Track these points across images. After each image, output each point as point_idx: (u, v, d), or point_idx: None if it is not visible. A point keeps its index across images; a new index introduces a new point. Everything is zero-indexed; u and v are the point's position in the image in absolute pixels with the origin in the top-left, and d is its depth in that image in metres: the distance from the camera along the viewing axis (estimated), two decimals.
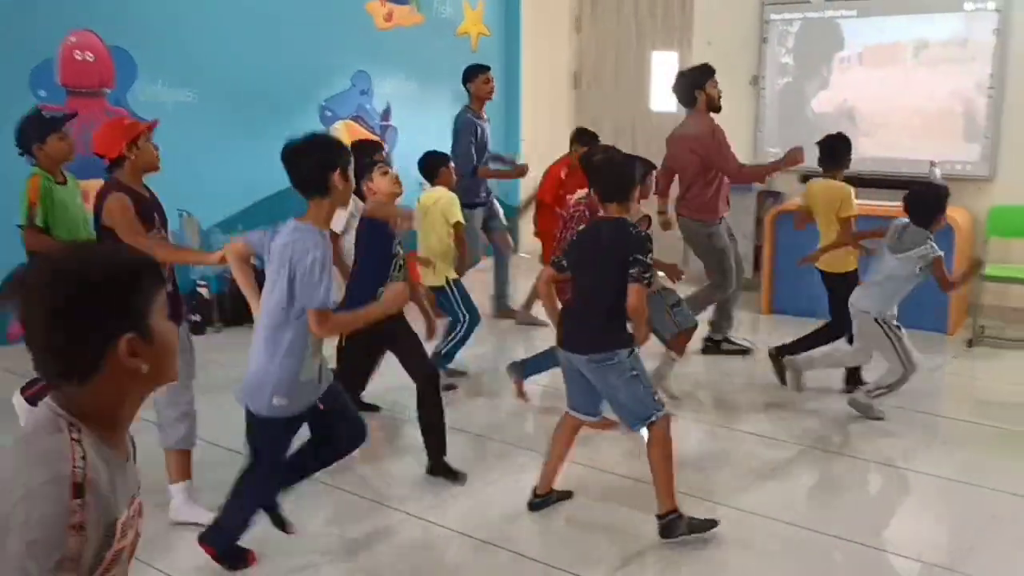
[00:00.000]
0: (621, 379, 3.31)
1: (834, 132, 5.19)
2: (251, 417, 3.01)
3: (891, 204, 6.25)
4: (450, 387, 4.93)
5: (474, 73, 6.62)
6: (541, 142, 8.10)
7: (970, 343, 5.88)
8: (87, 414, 1.36)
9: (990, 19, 6.51)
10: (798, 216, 5.29)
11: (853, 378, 5.00)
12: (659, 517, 3.35)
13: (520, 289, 6.72)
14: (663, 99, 8.24)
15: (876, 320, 4.46)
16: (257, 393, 2.94)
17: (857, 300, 4.57)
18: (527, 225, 6.96)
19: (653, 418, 3.32)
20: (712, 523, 3.38)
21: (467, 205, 6.40)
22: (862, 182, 6.80)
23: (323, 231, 2.90)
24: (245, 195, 6.52)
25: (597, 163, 3.66)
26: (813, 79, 7.36)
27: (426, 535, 3.48)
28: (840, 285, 4.88)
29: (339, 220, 4.10)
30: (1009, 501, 3.76)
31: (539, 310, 6.11)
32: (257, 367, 2.93)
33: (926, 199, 4.51)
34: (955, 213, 5.77)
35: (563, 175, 6.19)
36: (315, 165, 2.88)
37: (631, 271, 3.24)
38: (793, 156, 5.34)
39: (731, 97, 7.65)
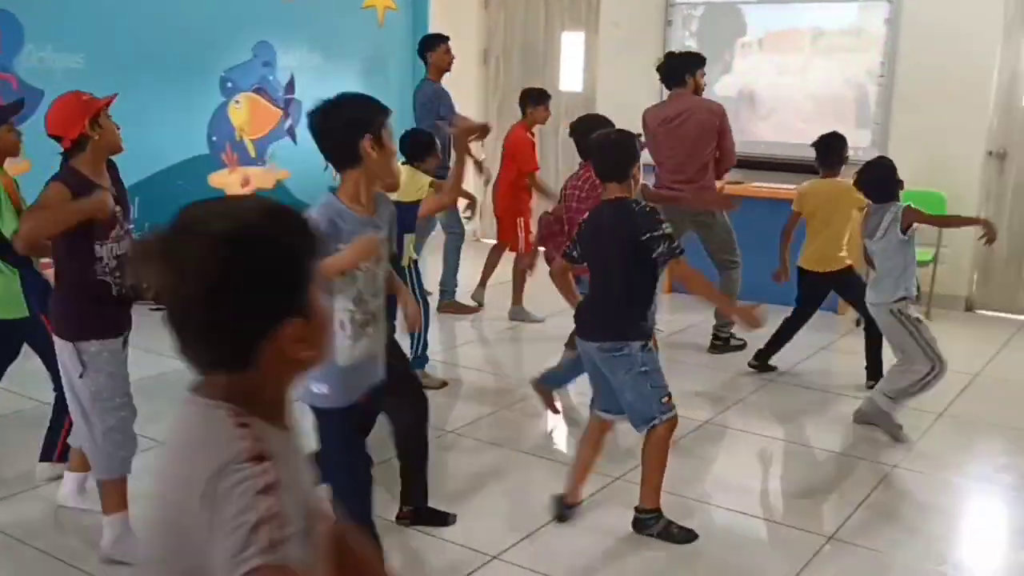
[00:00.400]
0: (629, 374, 3.19)
1: (828, 132, 5.16)
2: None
3: (783, 186, 6.47)
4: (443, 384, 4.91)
5: (434, 43, 6.54)
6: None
7: (858, 322, 6.11)
8: (240, 403, 1.15)
9: (882, 9, 6.74)
10: (790, 219, 5.19)
11: (875, 371, 4.93)
12: (637, 510, 3.34)
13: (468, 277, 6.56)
14: (571, 78, 8.31)
15: (891, 311, 4.24)
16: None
17: (868, 298, 4.42)
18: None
19: (656, 421, 3.22)
20: (691, 536, 3.34)
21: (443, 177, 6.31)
22: (757, 165, 7.05)
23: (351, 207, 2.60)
24: (139, 166, 6.28)
25: (595, 140, 3.43)
26: (716, 63, 7.48)
27: (454, 556, 3.25)
28: (824, 283, 5.06)
29: None
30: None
31: (529, 303, 6.17)
32: None
33: (876, 175, 4.32)
34: None
35: (531, 136, 6.23)
36: (342, 130, 2.54)
37: (656, 250, 3.11)
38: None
39: (636, 78, 7.79)
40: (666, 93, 7.53)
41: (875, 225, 4.26)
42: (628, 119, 7.55)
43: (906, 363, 4.27)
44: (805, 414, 4.81)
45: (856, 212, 4.81)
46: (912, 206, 4.25)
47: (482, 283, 6.47)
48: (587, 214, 3.45)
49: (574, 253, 3.37)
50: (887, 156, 4.64)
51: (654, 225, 3.13)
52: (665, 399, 3.25)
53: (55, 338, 3.08)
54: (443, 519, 3.43)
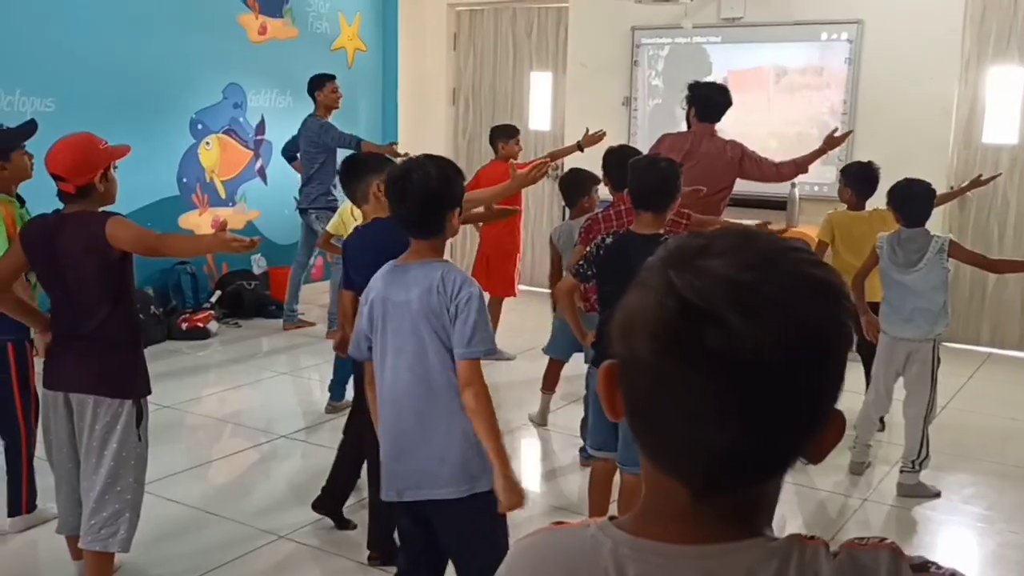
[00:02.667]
0: None
1: (864, 160, 5.08)
2: (446, 511, 2.42)
3: (749, 222, 6.55)
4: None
5: (322, 82, 6.72)
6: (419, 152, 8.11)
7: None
8: None
9: (843, 49, 6.89)
10: (817, 249, 4.85)
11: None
12: None
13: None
14: (540, 117, 8.40)
15: (934, 345, 4.05)
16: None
17: (901, 330, 4.11)
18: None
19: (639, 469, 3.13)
20: None
21: (329, 208, 6.40)
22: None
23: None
24: (119, 206, 6.30)
25: (639, 163, 3.29)
26: (682, 100, 7.61)
27: None
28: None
29: None
30: None
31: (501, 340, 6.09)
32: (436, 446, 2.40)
33: (914, 195, 4.11)
34: (812, 232, 6.05)
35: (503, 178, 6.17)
36: (428, 202, 2.40)
37: None
38: (836, 140, 5.25)
39: (604, 117, 7.89)
40: (634, 128, 7.71)
41: (914, 255, 4.01)
42: (595, 156, 7.69)
43: (915, 399, 4.13)
44: None
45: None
46: (957, 241, 4.10)
47: None
48: (611, 238, 3.27)
49: (588, 272, 3.24)
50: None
51: None
52: None
53: (98, 400, 2.88)
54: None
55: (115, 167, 2.99)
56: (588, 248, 3.39)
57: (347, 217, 4.99)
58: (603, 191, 4.85)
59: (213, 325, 6.63)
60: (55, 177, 2.88)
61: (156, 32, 6.61)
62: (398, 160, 6.16)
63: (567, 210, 5.21)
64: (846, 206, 5.11)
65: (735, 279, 0.75)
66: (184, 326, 6.49)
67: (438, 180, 2.38)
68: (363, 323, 2.44)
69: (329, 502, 3.65)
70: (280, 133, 7.60)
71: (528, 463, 4.62)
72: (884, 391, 4.25)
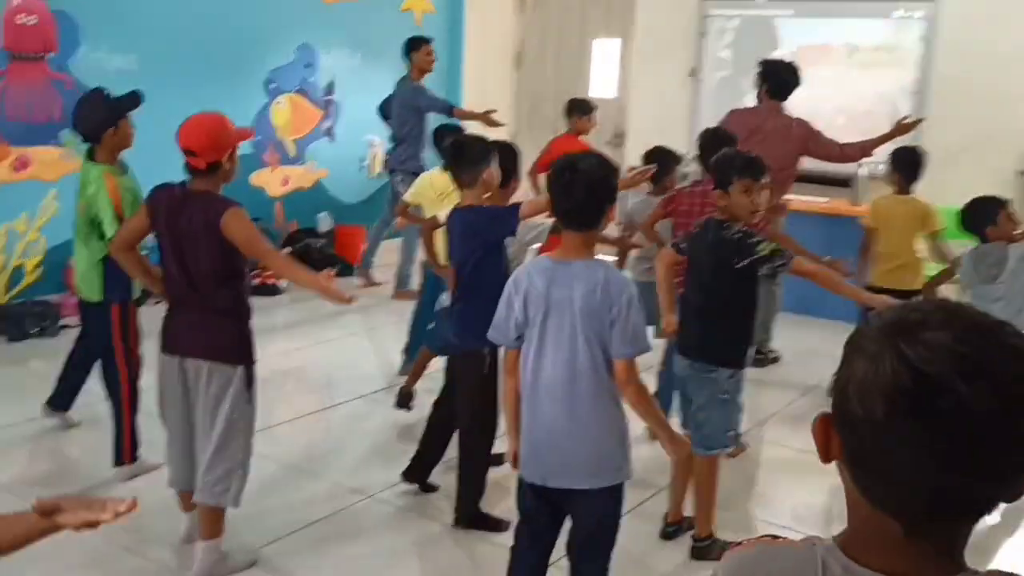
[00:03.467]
0: (706, 398, 3.24)
1: (909, 145, 5.11)
2: (588, 498, 2.57)
3: (814, 199, 6.61)
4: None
5: (418, 44, 6.77)
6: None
7: None
8: None
9: (917, 27, 6.84)
10: (866, 235, 5.06)
11: None
12: (694, 539, 3.43)
13: None
14: (602, 85, 8.42)
15: None
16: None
17: None
18: None
19: (714, 451, 3.31)
20: None
21: (413, 172, 6.56)
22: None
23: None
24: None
25: (720, 158, 3.36)
26: (749, 74, 7.50)
27: None
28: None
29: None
30: None
31: None
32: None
33: (978, 209, 4.17)
34: None
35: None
36: (592, 195, 2.48)
37: (760, 271, 3.12)
38: (905, 126, 5.30)
39: (670, 87, 7.92)
40: (700, 100, 7.67)
41: (995, 267, 4.05)
42: (659, 127, 7.73)
43: None
44: None
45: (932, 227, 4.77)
46: None
47: None
48: (704, 220, 3.39)
49: (682, 246, 3.39)
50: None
51: (748, 250, 3.12)
52: (731, 434, 3.36)
53: (214, 366, 3.04)
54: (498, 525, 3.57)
55: (239, 148, 3.11)
56: (689, 228, 3.52)
57: (426, 188, 5.03)
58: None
59: (283, 282, 6.80)
60: (186, 151, 2.99)
61: None
62: (495, 128, 6.29)
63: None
64: (893, 189, 5.14)
65: (958, 351, 0.87)
66: (255, 281, 6.67)
67: (600, 171, 2.47)
68: (515, 312, 2.54)
69: (419, 472, 3.82)
70: (348, 93, 7.71)
71: None
72: None
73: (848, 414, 0.93)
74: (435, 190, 4.90)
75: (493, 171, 3.46)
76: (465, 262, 3.42)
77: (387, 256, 7.36)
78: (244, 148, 6.86)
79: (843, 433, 0.94)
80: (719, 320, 3.27)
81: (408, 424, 4.44)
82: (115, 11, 6.04)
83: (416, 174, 6.66)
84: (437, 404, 3.84)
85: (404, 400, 4.57)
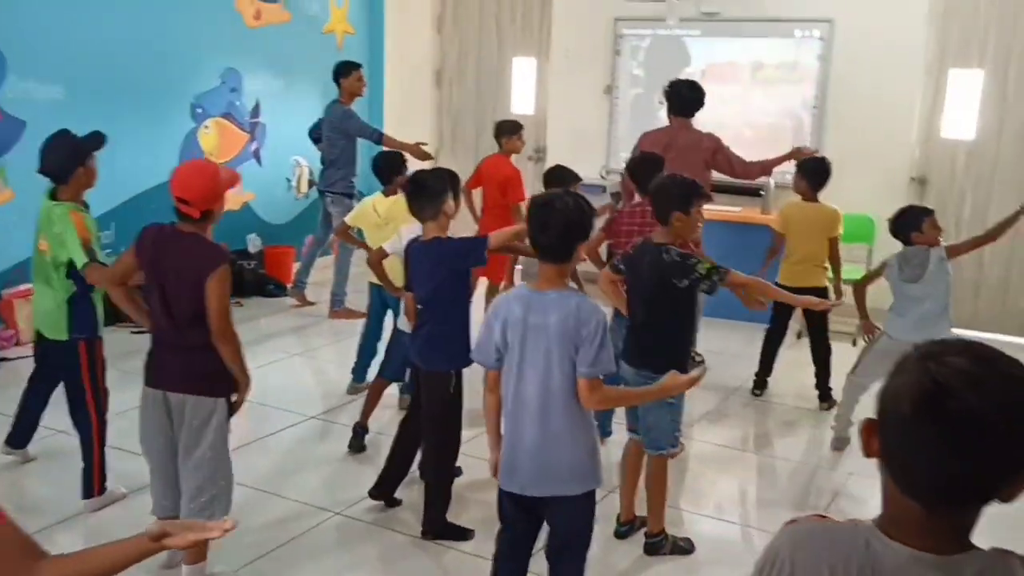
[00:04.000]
0: (655, 403, 3.49)
1: (819, 155, 5.59)
2: (563, 504, 2.82)
3: (727, 208, 7.04)
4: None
5: (348, 69, 6.96)
6: (405, 137, 8.34)
7: (799, 335, 6.67)
8: None
9: (815, 45, 7.34)
10: (776, 239, 5.59)
11: (827, 394, 5.50)
12: (647, 535, 3.72)
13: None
14: (523, 102, 8.70)
15: None
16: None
17: (907, 335, 4.35)
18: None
19: (664, 451, 3.60)
20: (691, 546, 3.78)
21: (344, 194, 6.81)
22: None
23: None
24: (115, 193, 6.48)
25: (659, 183, 3.65)
26: (660, 90, 7.99)
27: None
28: None
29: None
30: None
31: None
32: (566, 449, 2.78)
33: (908, 220, 4.60)
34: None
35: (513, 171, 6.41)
36: (568, 231, 2.72)
37: (701, 288, 3.43)
38: (800, 153, 5.75)
39: (586, 104, 8.25)
40: (616, 116, 7.98)
41: (919, 268, 4.52)
42: (577, 142, 8.06)
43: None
44: (768, 427, 5.33)
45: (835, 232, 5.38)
46: (950, 245, 4.57)
47: None
48: (639, 243, 3.70)
49: (620, 267, 3.70)
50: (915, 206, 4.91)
51: (688, 271, 3.42)
52: (678, 434, 3.65)
53: (196, 399, 3.18)
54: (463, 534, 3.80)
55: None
56: (626, 249, 3.81)
57: (367, 213, 5.21)
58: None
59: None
60: (180, 200, 3.10)
61: (158, 19, 6.76)
62: (426, 162, 6.50)
63: None
64: (800, 197, 5.57)
65: (966, 368, 1.17)
66: None
67: (576, 212, 2.71)
68: (495, 337, 2.78)
69: (386, 488, 4.02)
70: (273, 116, 7.82)
71: None
72: (870, 382, 4.64)
73: (886, 417, 1.22)
74: (377, 215, 5.10)
75: (451, 202, 3.69)
76: (433, 290, 3.64)
77: (318, 274, 7.50)
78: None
79: (881, 434, 1.23)
80: (662, 332, 3.55)
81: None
82: (40, 42, 6.03)
83: (348, 195, 6.89)
84: (404, 422, 4.04)
85: (360, 434, 4.63)
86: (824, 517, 1.35)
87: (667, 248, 3.50)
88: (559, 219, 2.68)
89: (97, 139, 3.92)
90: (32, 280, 4.10)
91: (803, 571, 1.28)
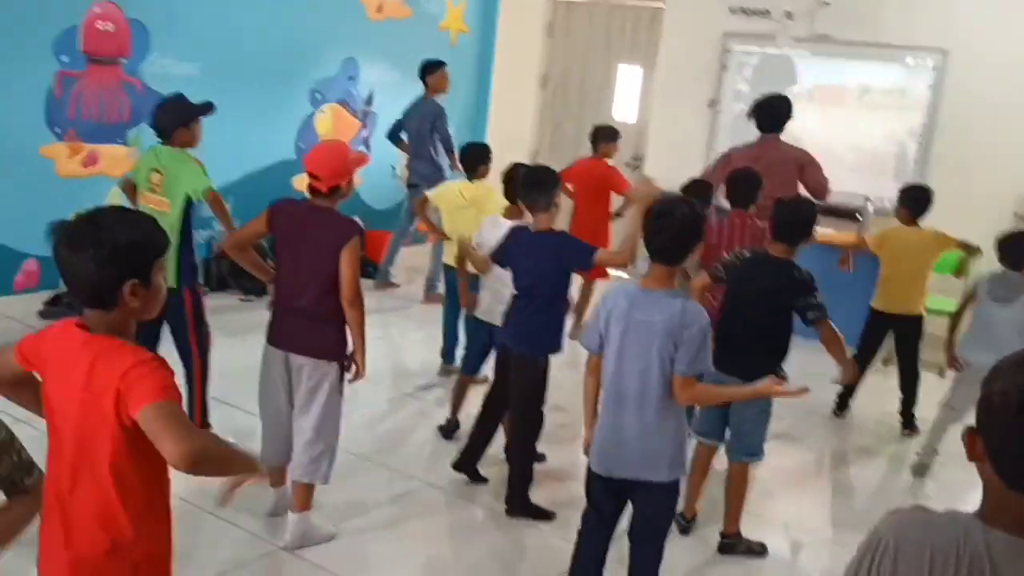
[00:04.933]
0: (754, 411, 3.68)
1: (920, 184, 5.64)
2: (651, 490, 2.99)
3: (823, 230, 7.04)
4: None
5: (433, 67, 7.20)
6: (507, 135, 8.60)
7: (885, 362, 6.66)
8: None
9: (927, 75, 7.31)
10: (852, 257, 5.70)
11: (844, 403, 5.62)
12: (723, 535, 3.88)
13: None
14: (625, 109, 8.86)
15: None
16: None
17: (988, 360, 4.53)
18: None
19: (752, 458, 3.77)
20: (764, 549, 3.91)
21: (438, 183, 7.07)
22: None
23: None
24: (236, 167, 6.86)
25: (786, 205, 3.79)
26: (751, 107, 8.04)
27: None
28: (910, 329, 5.40)
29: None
30: None
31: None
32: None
33: (1020, 243, 4.64)
34: None
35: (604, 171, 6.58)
36: (682, 235, 2.87)
37: (808, 315, 3.57)
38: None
39: (688, 116, 8.36)
40: (717, 130, 8.07)
41: (1011, 292, 4.58)
42: (676, 153, 8.18)
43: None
44: (846, 448, 5.38)
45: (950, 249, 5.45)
46: None
47: (579, 322, 6.70)
48: (747, 253, 3.85)
49: (721, 275, 3.81)
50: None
51: (808, 294, 3.59)
52: (765, 443, 3.79)
53: (315, 362, 3.45)
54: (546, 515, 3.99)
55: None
56: (729, 257, 3.93)
57: (451, 194, 5.44)
58: None
59: None
60: (311, 175, 3.41)
61: (287, 6, 7.12)
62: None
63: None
64: (899, 223, 5.60)
65: None
66: None
67: (692, 219, 2.87)
68: (600, 325, 2.97)
69: (469, 464, 4.24)
70: (386, 106, 8.12)
71: None
72: (965, 412, 4.68)
73: (991, 419, 1.36)
74: (463, 198, 5.31)
75: (560, 195, 3.89)
76: (536, 279, 3.84)
77: (415, 260, 7.77)
78: (287, 154, 7.40)
79: (985, 436, 1.37)
80: (760, 344, 3.68)
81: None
82: (182, 22, 6.44)
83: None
84: (486, 401, 4.25)
85: (450, 430, 4.75)
86: (925, 509, 1.47)
87: (798, 267, 3.67)
88: (676, 225, 2.83)
89: (206, 107, 4.29)
90: None
91: (906, 555, 1.39)
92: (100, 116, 6.09)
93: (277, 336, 3.53)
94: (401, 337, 6.59)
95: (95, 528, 1.92)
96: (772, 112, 5.72)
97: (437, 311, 6.65)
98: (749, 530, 4.06)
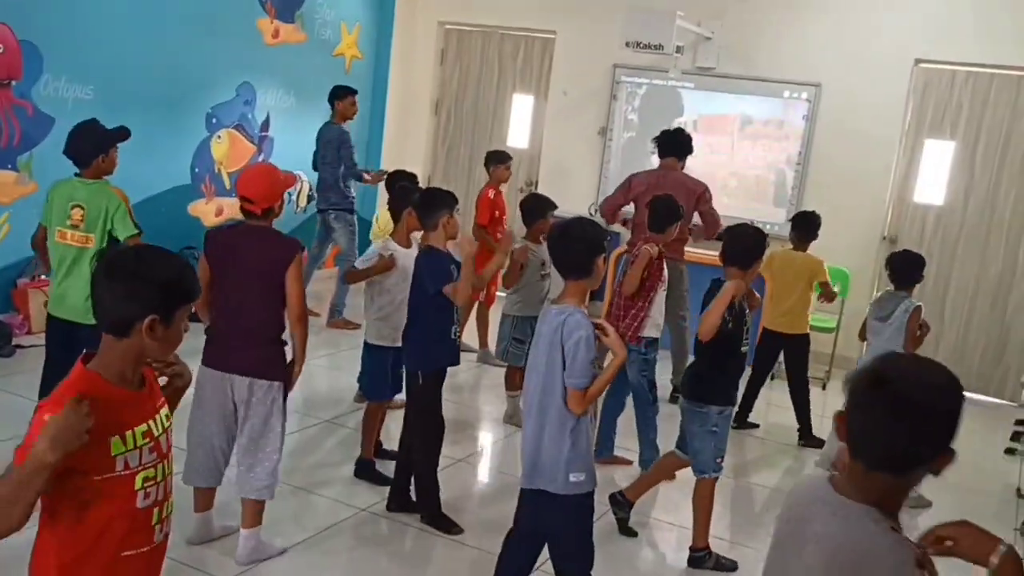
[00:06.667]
0: (697, 428, 3.92)
1: (810, 210, 5.98)
2: (547, 499, 3.05)
3: (708, 252, 7.41)
4: None
5: (344, 94, 7.29)
6: (401, 160, 8.65)
7: (772, 376, 7.04)
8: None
9: (802, 107, 7.83)
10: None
11: (807, 431, 5.89)
12: (692, 549, 4.03)
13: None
14: (518, 136, 9.08)
15: None
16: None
17: None
18: None
19: (707, 475, 3.94)
20: (734, 565, 4.05)
21: (346, 209, 7.18)
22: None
23: (583, 309, 3.01)
24: (132, 192, 6.54)
25: (734, 231, 4.00)
26: (653, 136, 8.41)
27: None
28: (798, 346, 5.79)
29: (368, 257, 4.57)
30: None
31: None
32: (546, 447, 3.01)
33: (908, 261, 5.05)
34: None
35: (492, 196, 6.77)
36: (584, 250, 3.01)
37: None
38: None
39: (580, 144, 8.65)
40: (608, 157, 8.33)
41: (890, 311, 5.00)
42: (568, 178, 8.45)
43: None
44: (747, 459, 5.68)
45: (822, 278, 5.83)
46: (919, 309, 4.96)
47: (484, 343, 6.95)
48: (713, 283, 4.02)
49: (728, 322, 3.92)
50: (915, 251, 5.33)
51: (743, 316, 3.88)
52: (719, 460, 3.97)
53: (259, 382, 3.45)
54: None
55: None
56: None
57: (384, 225, 5.62)
58: None
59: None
60: (243, 199, 3.47)
61: (185, 31, 7.00)
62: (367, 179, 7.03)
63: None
64: (791, 246, 5.99)
65: (905, 366, 1.74)
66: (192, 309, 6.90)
67: (593, 236, 3.04)
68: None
69: (400, 499, 4.27)
70: (282, 130, 8.07)
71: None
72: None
73: (850, 402, 1.70)
74: (380, 228, 5.51)
75: (455, 219, 4.02)
76: (413, 294, 4.03)
77: (315, 285, 7.72)
78: (183, 179, 7.25)
79: (847, 417, 1.70)
80: (710, 366, 3.96)
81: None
82: (76, 45, 6.24)
83: (349, 211, 7.23)
84: (403, 437, 4.36)
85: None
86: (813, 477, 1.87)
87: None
88: (576, 241, 3.01)
89: (122, 132, 4.23)
90: (53, 271, 4.22)
91: (786, 500, 1.90)
92: None
93: (217, 359, 3.51)
94: (313, 364, 6.53)
95: None
96: (675, 142, 6.03)
97: (345, 336, 6.68)
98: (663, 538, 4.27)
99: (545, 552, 3.22)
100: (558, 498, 3.01)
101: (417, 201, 4.17)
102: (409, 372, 4.09)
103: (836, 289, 6.07)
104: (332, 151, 7.23)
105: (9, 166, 5.99)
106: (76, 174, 4.17)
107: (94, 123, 4.26)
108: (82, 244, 4.06)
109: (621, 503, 4.26)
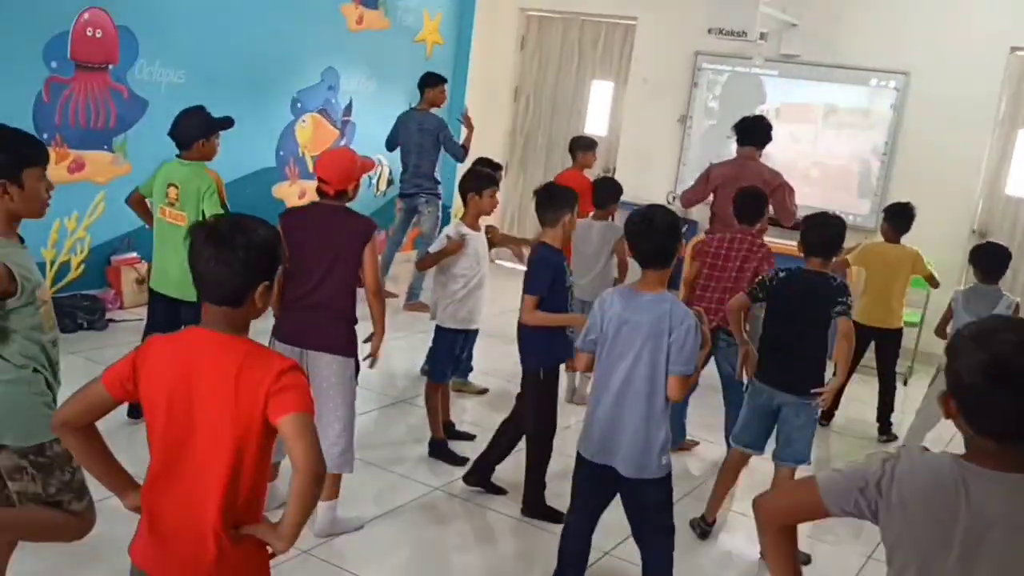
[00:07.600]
0: (802, 420, 3.90)
1: (904, 201, 5.81)
2: (643, 483, 3.12)
3: (783, 242, 7.30)
4: None
5: (435, 81, 7.34)
6: (479, 147, 8.70)
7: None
8: None
9: (890, 95, 7.64)
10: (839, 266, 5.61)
11: (887, 427, 5.79)
12: None
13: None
14: (597, 123, 9.05)
15: None
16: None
17: None
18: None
19: (802, 463, 3.93)
20: (807, 558, 3.90)
21: (437, 195, 7.35)
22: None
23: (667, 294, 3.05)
24: (222, 174, 6.86)
25: (818, 220, 3.93)
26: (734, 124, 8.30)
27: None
28: (891, 340, 5.66)
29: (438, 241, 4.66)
30: None
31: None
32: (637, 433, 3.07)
33: (996, 254, 4.96)
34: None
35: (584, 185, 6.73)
36: (666, 240, 3.02)
37: (836, 309, 3.76)
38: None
39: (660, 131, 8.58)
40: (687, 145, 8.28)
41: (986, 308, 4.81)
42: (646, 166, 8.39)
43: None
44: (831, 454, 5.60)
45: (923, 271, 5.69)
46: (1019, 308, 4.90)
47: None
48: (782, 273, 3.98)
49: (760, 295, 3.97)
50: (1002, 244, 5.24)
51: (845, 296, 3.80)
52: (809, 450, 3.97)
53: (333, 358, 3.54)
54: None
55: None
56: (763, 276, 4.07)
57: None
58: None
59: None
60: (320, 180, 3.58)
61: (272, 17, 7.16)
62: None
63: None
64: (883, 239, 5.84)
65: (1017, 341, 1.61)
66: None
67: (671, 223, 3.05)
68: (596, 325, 3.13)
69: (480, 475, 4.32)
70: (364, 115, 8.20)
71: None
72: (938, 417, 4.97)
73: (962, 388, 1.64)
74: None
75: (573, 218, 4.02)
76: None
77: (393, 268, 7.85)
78: (268, 163, 7.43)
79: (956, 397, 1.66)
80: (817, 354, 3.90)
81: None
82: (170, 31, 6.44)
83: (439, 196, 7.30)
84: (512, 415, 4.34)
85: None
86: (924, 448, 1.78)
87: (834, 277, 3.90)
88: (658, 230, 3.00)
89: (226, 121, 4.45)
90: (154, 247, 4.49)
91: (902, 479, 1.72)
92: (87, 122, 6.07)
93: (289, 333, 3.59)
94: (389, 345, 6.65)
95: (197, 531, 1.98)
96: (754, 130, 5.92)
97: (421, 319, 6.76)
98: (735, 529, 4.25)
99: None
100: (654, 481, 3.12)
101: (541, 197, 4.09)
102: (528, 369, 4.06)
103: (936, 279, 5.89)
104: (430, 138, 7.29)
105: (105, 147, 6.22)
106: (177, 155, 4.35)
107: (201, 109, 4.47)
108: (177, 222, 4.21)
109: (704, 529, 4.16)
